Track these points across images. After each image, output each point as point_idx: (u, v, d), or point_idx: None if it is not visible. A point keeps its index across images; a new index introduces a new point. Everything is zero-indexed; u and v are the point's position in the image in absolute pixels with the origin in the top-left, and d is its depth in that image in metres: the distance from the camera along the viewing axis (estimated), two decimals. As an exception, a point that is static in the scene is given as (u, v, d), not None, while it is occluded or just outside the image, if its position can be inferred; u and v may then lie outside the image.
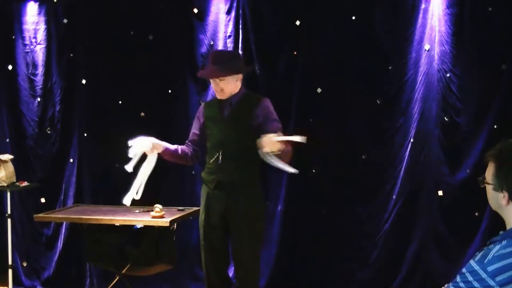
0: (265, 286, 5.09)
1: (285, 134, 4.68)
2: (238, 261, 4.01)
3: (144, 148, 3.87)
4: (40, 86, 5.60)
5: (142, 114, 5.39)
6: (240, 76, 3.93)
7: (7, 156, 5.16)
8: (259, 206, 4.00)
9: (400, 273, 4.92)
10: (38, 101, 5.60)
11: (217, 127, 3.93)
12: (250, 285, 4.00)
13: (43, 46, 5.58)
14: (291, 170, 3.67)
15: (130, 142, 3.87)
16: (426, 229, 4.90)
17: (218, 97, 3.95)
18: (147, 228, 4.42)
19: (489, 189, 2.28)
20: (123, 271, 4.48)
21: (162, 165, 5.27)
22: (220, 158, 3.87)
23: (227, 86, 3.88)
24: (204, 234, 3.98)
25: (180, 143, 5.34)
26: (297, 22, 5.04)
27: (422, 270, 4.89)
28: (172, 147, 4.07)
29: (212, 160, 3.91)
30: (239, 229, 3.90)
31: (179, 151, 4.07)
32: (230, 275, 4.48)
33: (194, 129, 4.12)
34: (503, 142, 2.28)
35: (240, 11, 5.12)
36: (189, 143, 4.13)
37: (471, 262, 2.18)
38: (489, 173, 2.27)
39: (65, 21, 5.51)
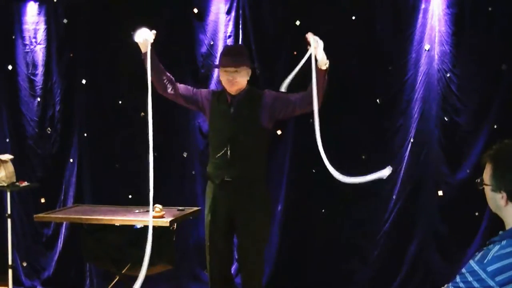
0: (265, 285, 5.09)
1: (283, 132, 4.66)
2: (243, 259, 4.03)
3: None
4: (40, 86, 5.60)
5: (142, 114, 5.39)
6: (249, 72, 3.96)
7: (7, 156, 5.16)
8: (266, 206, 4.01)
9: (400, 273, 4.93)
10: (38, 101, 5.60)
11: (225, 123, 3.92)
12: (253, 283, 4.02)
13: (43, 46, 5.58)
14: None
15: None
16: (426, 229, 4.90)
17: (229, 89, 3.91)
18: (147, 228, 4.40)
19: (488, 190, 2.29)
20: (123, 271, 4.47)
21: (162, 165, 5.30)
22: (228, 154, 3.86)
23: (241, 79, 3.89)
24: (210, 236, 3.99)
25: (182, 145, 5.38)
26: (297, 22, 5.04)
27: (422, 270, 4.89)
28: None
29: (219, 155, 3.90)
30: (246, 229, 3.92)
31: (160, 67, 3.99)
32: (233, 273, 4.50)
33: (193, 89, 4.06)
34: (499, 143, 2.29)
35: (240, 11, 5.12)
36: (178, 84, 4.04)
37: (471, 262, 2.18)
38: (487, 174, 2.27)
39: (65, 21, 5.51)
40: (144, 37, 3.76)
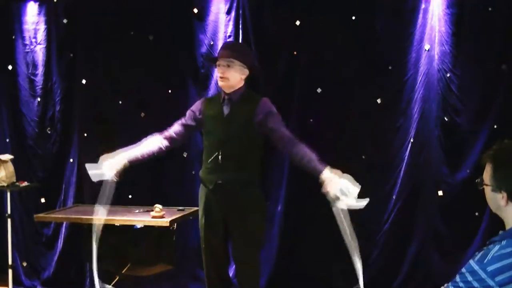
0: (265, 286, 5.09)
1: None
2: (238, 261, 4.00)
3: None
4: (40, 86, 5.60)
5: (142, 114, 5.40)
6: (245, 72, 3.88)
7: (7, 156, 5.16)
8: (260, 207, 3.98)
9: (400, 273, 4.92)
10: (38, 101, 5.61)
11: (217, 125, 3.88)
12: (250, 285, 4.01)
13: (43, 46, 5.58)
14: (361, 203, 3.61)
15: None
16: (426, 229, 4.89)
17: (220, 84, 3.87)
18: (147, 228, 4.41)
19: (488, 190, 2.29)
20: (123, 271, 4.47)
21: (162, 165, 5.30)
22: (220, 158, 3.82)
23: (232, 75, 3.82)
24: (204, 237, 3.96)
25: (182, 145, 5.36)
26: (297, 22, 5.04)
27: (422, 270, 4.89)
28: (134, 155, 3.96)
29: (210, 160, 3.85)
30: (240, 231, 3.88)
31: (144, 156, 3.98)
32: (230, 274, 4.48)
33: (185, 120, 4.00)
34: (499, 143, 2.29)
35: (240, 11, 5.12)
36: (170, 133, 3.98)
37: (471, 262, 2.18)
38: (487, 174, 2.28)
39: (65, 21, 5.51)
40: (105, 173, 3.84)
